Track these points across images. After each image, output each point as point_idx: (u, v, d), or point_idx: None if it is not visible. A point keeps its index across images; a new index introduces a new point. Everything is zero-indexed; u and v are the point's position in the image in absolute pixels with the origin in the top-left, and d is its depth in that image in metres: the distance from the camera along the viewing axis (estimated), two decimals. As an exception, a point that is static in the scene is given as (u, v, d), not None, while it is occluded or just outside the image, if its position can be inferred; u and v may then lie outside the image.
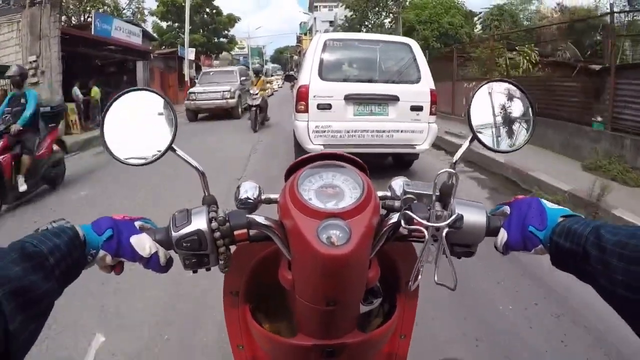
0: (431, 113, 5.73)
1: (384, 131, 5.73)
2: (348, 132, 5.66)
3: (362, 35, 7.68)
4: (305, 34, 67.75)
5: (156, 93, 0.79)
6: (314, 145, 5.59)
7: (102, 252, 0.67)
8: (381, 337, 0.83)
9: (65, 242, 0.60)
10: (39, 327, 0.54)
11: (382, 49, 5.95)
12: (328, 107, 5.57)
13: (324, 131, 5.61)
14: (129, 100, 0.78)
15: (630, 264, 0.51)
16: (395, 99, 5.66)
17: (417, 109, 5.69)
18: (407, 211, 0.66)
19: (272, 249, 0.79)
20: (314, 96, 5.56)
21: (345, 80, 5.79)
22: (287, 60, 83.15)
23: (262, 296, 0.90)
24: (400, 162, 6.68)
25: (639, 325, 0.51)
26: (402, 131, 5.75)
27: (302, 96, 5.57)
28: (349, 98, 5.60)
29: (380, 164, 6.53)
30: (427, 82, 5.80)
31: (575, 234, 0.60)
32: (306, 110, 5.58)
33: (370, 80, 5.80)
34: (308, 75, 5.61)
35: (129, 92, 0.78)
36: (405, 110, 5.69)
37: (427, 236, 0.65)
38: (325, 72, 5.68)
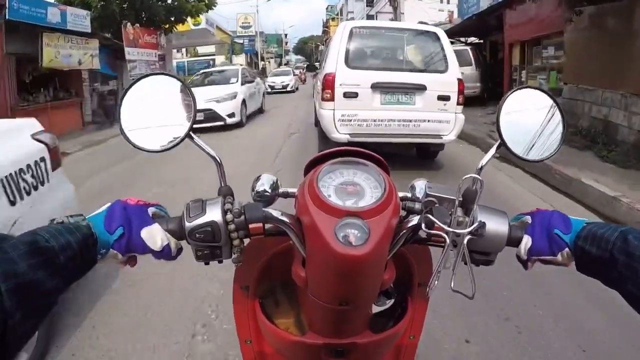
0: (458, 103, 5.73)
1: (410, 121, 5.73)
2: (374, 121, 5.67)
3: (389, 23, 7.70)
4: (334, 19, 62.09)
5: (175, 77, 0.78)
6: (340, 135, 5.65)
7: (112, 251, 0.67)
8: (391, 338, 0.83)
9: (77, 240, 0.60)
10: (39, 322, 0.55)
11: (409, 37, 5.97)
12: (354, 95, 5.58)
13: (350, 120, 5.62)
14: (146, 85, 0.77)
15: None
16: (422, 88, 5.67)
17: (444, 98, 5.69)
18: (428, 215, 0.65)
19: (285, 245, 0.79)
20: (341, 84, 5.59)
21: (372, 68, 5.82)
22: (312, 51, 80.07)
23: (273, 291, 0.90)
24: (424, 154, 6.64)
25: None
26: (428, 121, 5.75)
27: (328, 84, 5.58)
28: (376, 86, 5.62)
29: (404, 155, 6.47)
30: (454, 71, 5.79)
31: (602, 239, 0.60)
32: (332, 99, 5.59)
33: (397, 69, 5.82)
34: (334, 62, 5.63)
35: (147, 77, 0.78)
36: (432, 99, 5.67)
37: (447, 242, 0.64)
38: (352, 59, 5.71)
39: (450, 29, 14.73)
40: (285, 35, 77.70)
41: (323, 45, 72.85)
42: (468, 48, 13.65)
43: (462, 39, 15.81)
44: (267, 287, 0.89)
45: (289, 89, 25.08)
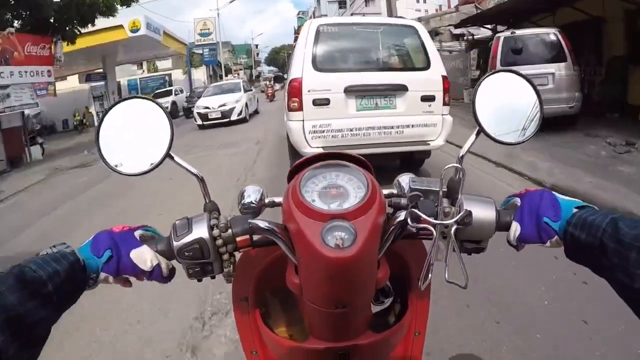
0: (444, 103, 5.09)
1: (392, 127, 5.04)
2: (351, 130, 4.95)
3: (360, 19, 6.90)
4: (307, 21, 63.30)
5: (151, 101, 0.80)
6: (312, 149, 4.90)
7: (102, 275, 0.67)
8: (394, 337, 0.82)
9: (64, 268, 0.60)
10: (36, 354, 0.55)
11: (385, 33, 5.26)
12: (326, 102, 4.84)
13: (323, 131, 4.89)
14: (123, 109, 0.79)
15: None
16: (403, 88, 4.99)
17: (428, 99, 5.04)
18: (413, 209, 0.65)
19: (278, 253, 0.77)
20: (309, 90, 4.85)
21: (344, 70, 5.09)
22: (285, 61, 79.21)
23: (272, 300, 0.89)
24: (409, 163, 5.87)
25: None
26: (413, 126, 5.08)
27: (295, 91, 4.83)
28: (350, 90, 4.90)
29: (388, 166, 5.71)
30: (437, 68, 5.13)
31: (592, 226, 0.59)
32: (300, 108, 4.84)
33: (373, 69, 5.12)
34: (300, 66, 4.88)
35: (123, 101, 0.80)
36: (415, 101, 4.99)
37: (435, 234, 0.64)
38: (321, 62, 4.96)
39: (480, 14, 13.59)
40: (256, 45, 74.73)
41: None
42: (554, 32, 7.92)
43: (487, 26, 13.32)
44: (267, 296, 0.89)
45: (234, 117, 15.52)
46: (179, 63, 33.43)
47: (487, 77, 0.78)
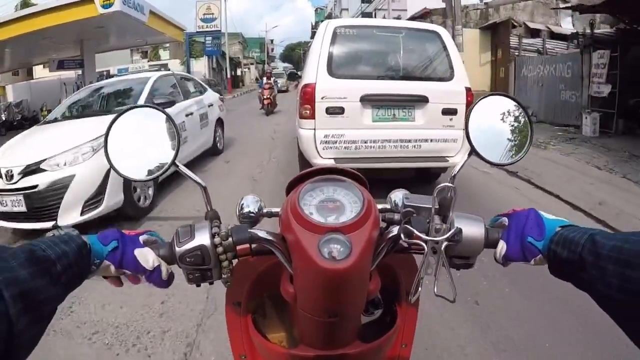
0: None
1: (409, 141, 4.69)
2: (365, 142, 4.59)
3: (381, 22, 6.49)
4: (323, 22, 58.76)
5: (158, 109, 0.82)
6: (323, 160, 4.59)
7: (106, 262, 0.69)
8: (382, 347, 0.84)
9: (72, 250, 0.62)
10: (41, 330, 0.56)
11: (406, 38, 4.89)
12: (340, 111, 4.49)
13: (335, 142, 4.54)
14: (131, 117, 0.81)
15: (626, 268, 0.53)
16: (423, 100, 4.64)
17: (450, 112, 4.70)
18: (406, 225, 0.68)
19: (273, 262, 0.78)
20: (322, 97, 4.49)
21: (360, 77, 4.73)
22: (300, 58, 77.32)
23: (264, 307, 0.91)
24: (425, 176, 5.50)
25: (633, 329, 0.53)
26: (431, 140, 4.74)
27: (307, 98, 4.48)
28: (367, 99, 4.55)
29: (398, 179, 5.33)
30: (461, 79, 4.78)
31: (572, 242, 0.61)
32: (312, 116, 4.49)
33: (392, 77, 4.75)
34: (314, 71, 4.52)
35: (132, 109, 0.82)
36: (435, 114, 4.64)
37: (426, 249, 0.67)
38: (336, 67, 4.60)
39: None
40: (271, 41, 71.07)
41: None
42: None
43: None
44: (259, 302, 0.91)
45: (102, 208, 4.45)
46: (178, 52, 29.74)
47: (480, 100, 0.82)
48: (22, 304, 0.50)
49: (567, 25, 13.56)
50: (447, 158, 4.74)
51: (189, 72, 27.06)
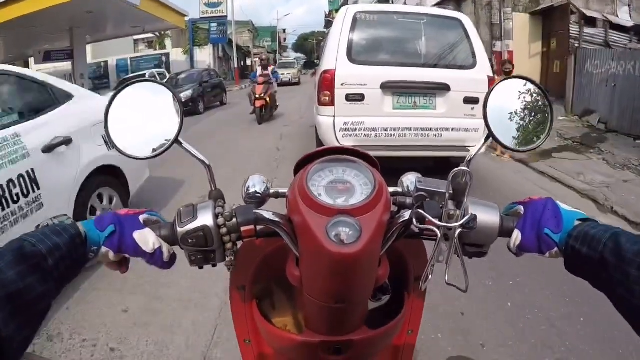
0: None
1: (430, 129, 4.61)
2: (385, 130, 4.51)
3: (402, 8, 6.33)
4: (337, 11, 51.19)
5: (162, 84, 0.79)
6: (342, 148, 4.34)
7: (104, 249, 0.66)
8: (388, 334, 0.82)
9: (65, 241, 0.60)
10: (35, 330, 0.55)
11: (427, 24, 4.80)
12: (360, 98, 4.41)
13: (355, 129, 4.46)
14: (132, 93, 0.77)
15: None
16: (445, 88, 4.56)
17: (471, 101, 4.60)
18: (419, 209, 0.65)
19: (280, 244, 0.75)
20: (342, 84, 4.41)
21: (381, 63, 4.65)
22: (314, 48, 75.73)
23: (269, 291, 0.90)
24: (445, 166, 5.37)
25: None
26: (452, 129, 4.66)
27: (327, 84, 4.40)
28: (388, 86, 4.48)
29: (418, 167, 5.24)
30: (483, 67, 4.70)
31: (593, 240, 0.59)
32: (331, 103, 4.41)
33: (413, 65, 4.66)
34: (334, 57, 4.44)
35: (133, 84, 0.78)
36: (457, 102, 4.55)
37: (439, 235, 0.65)
38: (356, 53, 4.52)
39: None
40: (284, 30, 68.81)
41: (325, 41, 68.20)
42: None
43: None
44: (264, 286, 0.89)
45: None
46: (182, 41, 26.81)
47: (500, 82, 0.78)
48: (10, 307, 0.49)
49: (623, 15, 11.32)
50: (469, 147, 4.64)
51: (192, 61, 25.31)
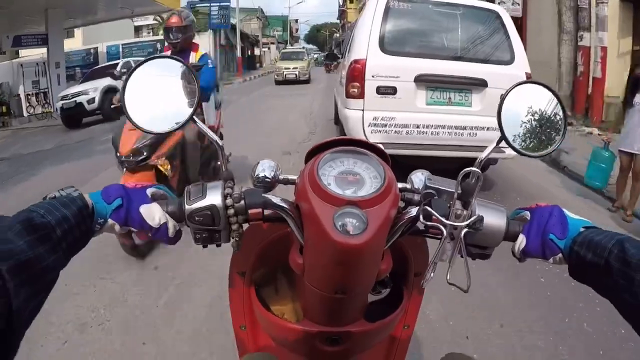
0: None
1: (464, 128, 4.30)
2: (417, 127, 4.19)
3: None
4: (352, 1, 46.41)
5: (178, 60, 0.79)
6: (371, 144, 4.02)
7: (110, 221, 0.68)
8: (386, 327, 0.83)
9: (73, 213, 0.60)
10: (42, 300, 0.54)
11: (464, 16, 4.51)
12: (392, 91, 4.09)
13: (385, 125, 4.14)
14: (149, 69, 0.78)
15: None
16: (482, 84, 4.25)
17: None
18: (426, 207, 0.66)
19: (283, 232, 0.79)
20: (373, 75, 4.09)
21: (415, 55, 4.31)
22: (326, 40, 73.97)
23: (269, 278, 0.91)
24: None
25: None
26: (488, 129, 4.33)
27: (356, 75, 4.08)
28: (422, 80, 4.15)
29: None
30: (522, 63, 4.39)
31: (598, 246, 0.59)
32: (361, 95, 4.09)
33: (449, 58, 4.33)
34: (365, 46, 4.13)
35: (151, 60, 0.79)
36: (493, 100, 4.04)
37: (444, 234, 0.66)
38: (389, 43, 4.20)
39: None
40: (296, 20, 66.14)
41: (338, 32, 65.86)
42: None
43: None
44: (264, 273, 0.89)
45: None
46: None
47: (514, 87, 0.77)
48: (20, 277, 0.49)
49: None
50: (504, 149, 4.28)
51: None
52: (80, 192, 0.65)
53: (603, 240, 0.59)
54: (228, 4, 23.29)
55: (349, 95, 4.17)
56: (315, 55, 43.20)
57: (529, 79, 0.94)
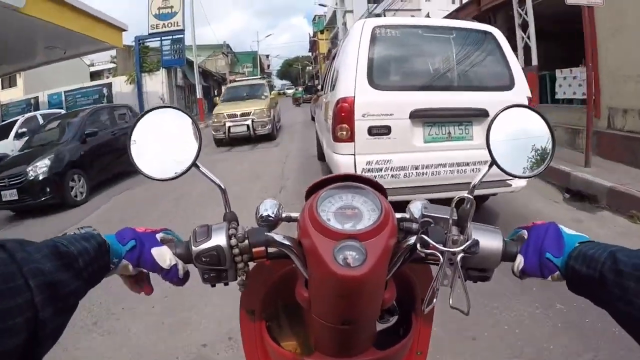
0: None
1: (467, 164, 3.87)
2: (416, 168, 3.73)
3: (426, 21, 5.47)
4: (322, 32, 45.66)
5: (181, 111, 0.84)
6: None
7: (124, 262, 0.71)
8: (397, 355, 0.84)
9: (93, 247, 0.64)
10: (65, 322, 0.58)
11: (457, 40, 4.07)
12: (385, 131, 3.63)
13: (381, 169, 3.67)
14: (155, 117, 0.83)
15: None
16: (482, 114, 3.81)
17: None
18: (423, 235, 0.68)
19: (289, 268, 0.81)
20: (364, 115, 3.61)
21: (408, 88, 3.85)
22: (299, 74, 73.68)
23: (279, 314, 0.92)
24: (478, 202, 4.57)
25: None
26: (491, 162, 3.67)
27: (344, 115, 3.60)
28: (418, 115, 3.70)
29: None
30: (522, 87, 3.99)
31: (592, 259, 0.61)
32: (351, 138, 3.61)
33: (445, 88, 3.89)
34: (351, 82, 3.64)
35: (154, 110, 0.84)
36: None
37: (442, 260, 0.67)
38: (378, 76, 3.72)
39: None
40: (267, 56, 64.50)
41: (311, 65, 65.14)
42: None
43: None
44: (273, 309, 0.91)
45: None
46: (129, 66, 19.96)
47: (502, 111, 0.80)
48: (47, 294, 0.52)
49: None
50: (509, 182, 3.88)
51: (139, 92, 18.43)
52: (98, 232, 0.68)
53: (596, 253, 0.61)
54: (181, 36, 19.17)
55: (337, 139, 3.67)
56: (290, 91, 39.24)
57: (516, 104, 0.86)
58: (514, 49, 6.08)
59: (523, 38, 7.42)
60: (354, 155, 3.64)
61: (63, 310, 0.56)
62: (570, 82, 7.88)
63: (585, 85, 6.71)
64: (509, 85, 3.91)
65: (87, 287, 0.63)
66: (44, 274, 0.52)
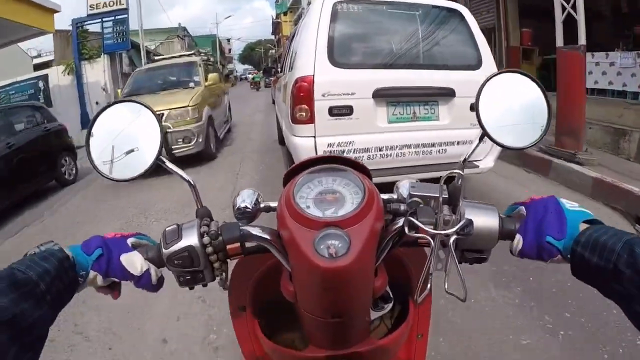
0: None
1: (432, 145, 3.75)
2: (380, 150, 3.58)
3: None
4: (285, 13, 44.02)
5: (140, 104, 0.79)
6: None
7: (92, 273, 0.66)
8: (396, 342, 0.81)
9: (54, 266, 0.60)
10: (36, 355, 0.54)
11: (423, 17, 3.88)
12: (347, 111, 3.45)
13: (343, 152, 3.53)
14: (113, 113, 0.78)
15: None
16: (449, 93, 3.69)
17: None
18: (411, 217, 0.63)
19: (275, 260, 0.74)
20: (324, 94, 3.42)
21: (371, 66, 3.68)
22: (261, 58, 71.60)
23: (272, 308, 0.87)
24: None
25: None
26: (458, 143, 3.84)
27: (303, 95, 3.42)
28: (381, 94, 3.53)
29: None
30: (489, 66, 3.86)
31: (604, 248, 0.56)
32: (311, 120, 3.42)
33: (410, 66, 3.71)
34: (311, 59, 3.45)
35: (113, 105, 0.79)
36: (462, 110, 3.76)
37: (432, 244, 0.63)
38: (339, 54, 3.53)
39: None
40: (228, 40, 61.72)
41: (274, 48, 63.63)
42: None
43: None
44: (265, 303, 0.87)
45: None
46: (67, 53, 16.02)
47: (493, 77, 0.76)
48: (7, 333, 0.49)
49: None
50: (476, 163, 3.78)
51: (79, 83, 14.84)
52: (60, 246, 0.64)
53: (610, 242, 0.55)
54: (125, 16, 15.64)
55: (296, 121, 3.48)
56: (251, 76, 36.53)
57: (507, 69, 0.76)
58: (552, 21, 5.48)
59: (565, 9, 5.33)
60: (315, 137, 3.47)
61: (30, 344, 0.52)
62: (605, 68, 6.47)
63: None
64: (476, 65, 3.79)
65: (55, 311, 0.59)
66: (2, 311, 0.49)
